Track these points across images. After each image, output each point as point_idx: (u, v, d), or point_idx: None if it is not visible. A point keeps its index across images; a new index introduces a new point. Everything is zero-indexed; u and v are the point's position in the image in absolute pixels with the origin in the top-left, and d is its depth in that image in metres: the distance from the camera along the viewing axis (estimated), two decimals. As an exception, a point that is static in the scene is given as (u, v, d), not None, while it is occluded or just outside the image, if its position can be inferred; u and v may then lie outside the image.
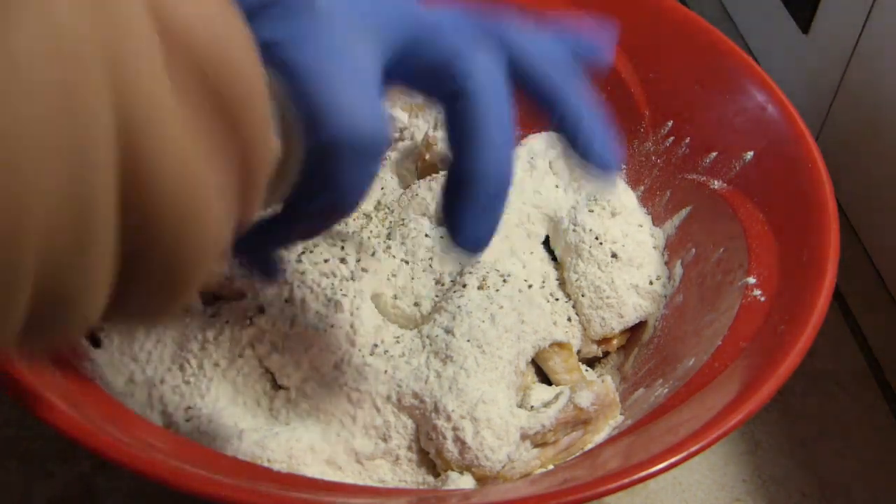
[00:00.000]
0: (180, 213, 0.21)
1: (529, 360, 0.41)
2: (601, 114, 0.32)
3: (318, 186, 0.28)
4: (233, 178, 0.23)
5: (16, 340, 0.20)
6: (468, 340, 0.39)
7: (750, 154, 0.45)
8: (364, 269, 0.41)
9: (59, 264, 0.19)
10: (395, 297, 0.42)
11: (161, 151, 0.20)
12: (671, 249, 0.46)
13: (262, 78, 0.23)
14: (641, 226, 0.47)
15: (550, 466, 0.38)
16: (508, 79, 0.30)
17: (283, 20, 0.26)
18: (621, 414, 0.40)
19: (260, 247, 0.32)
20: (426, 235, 0.44)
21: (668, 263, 0.46)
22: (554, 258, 0.47)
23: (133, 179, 0.20)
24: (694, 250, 0.45)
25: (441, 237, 0.32)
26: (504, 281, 0.41)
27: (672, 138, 0.49)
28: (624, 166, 0.51)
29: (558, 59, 0.32)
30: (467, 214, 0.30)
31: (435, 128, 0.50)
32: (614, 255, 0.45)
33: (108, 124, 0.19)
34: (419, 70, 0.29)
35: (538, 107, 0.31)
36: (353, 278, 0.40)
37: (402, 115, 0.52)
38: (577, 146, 0.31)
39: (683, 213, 0.47)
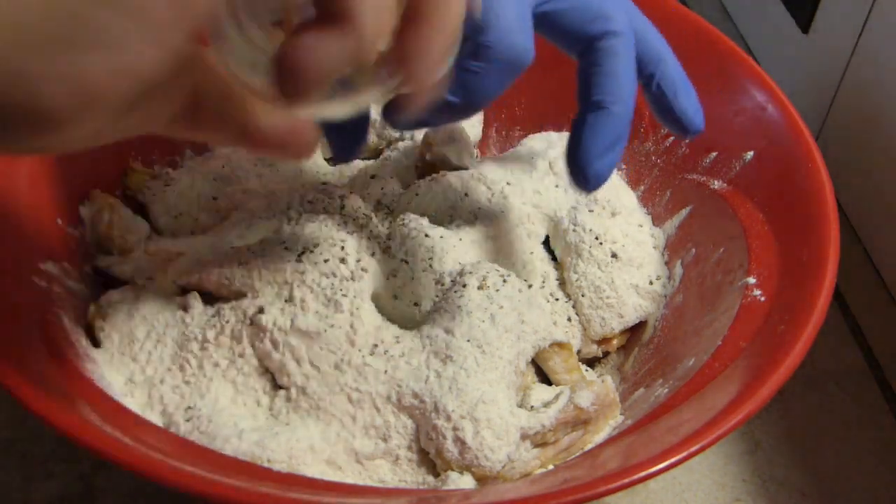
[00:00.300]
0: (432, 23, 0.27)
1: (529, 360, 0.41)
2: (688, 82, 0.39)
3: (460, 81, 0.33)
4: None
5: None
6: (468, 340, 0.39)
7: (750, 154, 0.45)
8: (364, 269, 0.41)
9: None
10: (395, 297, 0.42)
11: None
12: (671, 249, 0.46)
13: None
14: (641, 226, 0.47)
15: (550, 466, 0.38)
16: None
17: None
18: (621, 414, 0.40)
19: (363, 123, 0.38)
20: (426, 235, 0.44)
21: (668, 263, 0.46)
22: (554, 258, 0.47)
23: None
24: (694, 250, 0.45)
25: (566, 173, 0.38)
26: (504, 281, 0.41)
27: (672, 138, 0.49)
28: (624, 166, 0.51)
29: (659, 38, 0.39)
30: (601, 144, 0.36)
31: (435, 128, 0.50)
32: (614, 255, 0.45)
33: None
34: (570, 9, 0.36)
35: (645, 66, 0.37)
36: (353, 278, 0.40)
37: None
38: (674, 103, 0.38)
39: (683, 213, 0.47)
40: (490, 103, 0.35)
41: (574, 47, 0.37)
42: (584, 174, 0.36)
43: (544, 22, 0.36)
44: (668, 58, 0.38)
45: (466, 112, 0.35)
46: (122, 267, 0.44)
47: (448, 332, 0.39)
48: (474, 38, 0.33)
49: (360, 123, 0.38)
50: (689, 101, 0.38)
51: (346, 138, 0.38)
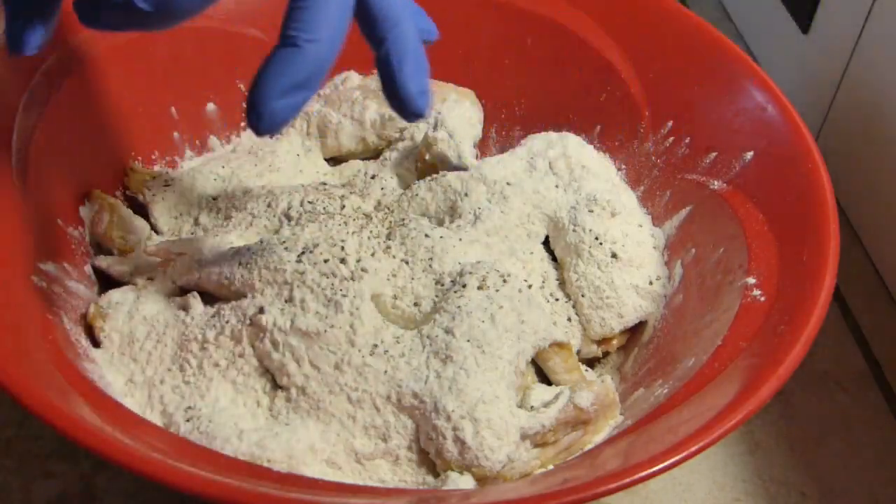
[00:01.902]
0: None
1: (529, 360, 0.41)
2: (424, 60, 0.34)
3: None
4: None
5: None
6: (468, 340, 0.39)
7: (750, 154, 0.45)
8: (364, 269, 0.41)
9: None
10: (395, 297, 0.42)
11: None
12: (671, 249, 0.46)
13: None
14: (641, 226, 0.47)
15: (550, 466, 0.38)
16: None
17: None
18: (621, 414, 0.40)
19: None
20: (426, 235, 0.44)
21: (667, 263, 0.46)
22: (554, 258, 0.47)
23: None
24: (694, 250, 0.45)
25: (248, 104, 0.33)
26: (504, 281, 0.41)
27: (672, 138, 0.49)
28: (624, 166, 0.51)
29: (403, 4, 0.34)
30: (281, 80, 0.31)
31: (435, 128, 0.50)
32: (614, 256, 0.45)
33: None
34: None
35: (374, 28, 0.34)
36: (353, 278, 0.40)
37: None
38: (395, 76, 0.34)
39: (683, 213, 0.47)
40: (186, 16, 0.31)
41: None
42: (256, 112, 0.32)
43: None
44: (405, 24, 0.34)
45: (158, 22, 0.31)
46: (122, 267, 0.44)
47: (448, 332, 0.39)
48: None
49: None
50: (414, 78, 0.34)
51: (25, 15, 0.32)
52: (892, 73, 0.50)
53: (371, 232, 0.44)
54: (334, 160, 0.53)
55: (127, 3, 0.29)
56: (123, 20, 0.30)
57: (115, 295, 0.42)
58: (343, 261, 0.41)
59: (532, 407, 0.39)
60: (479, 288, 0.41)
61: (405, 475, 0.38)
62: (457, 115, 0.51)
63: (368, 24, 0.34)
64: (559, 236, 0.46)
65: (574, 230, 0.45)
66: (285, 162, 0.50)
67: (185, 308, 0.41)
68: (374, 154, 0.53)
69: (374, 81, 0.53)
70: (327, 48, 0.32)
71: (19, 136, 0.41)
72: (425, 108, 0.34)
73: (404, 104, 0.34)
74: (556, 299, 0.45)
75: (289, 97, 0.32)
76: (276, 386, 0.39)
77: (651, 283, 0.45)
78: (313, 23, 0.31)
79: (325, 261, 0.41)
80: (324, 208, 0.45)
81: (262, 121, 0.32)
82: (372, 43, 0.34)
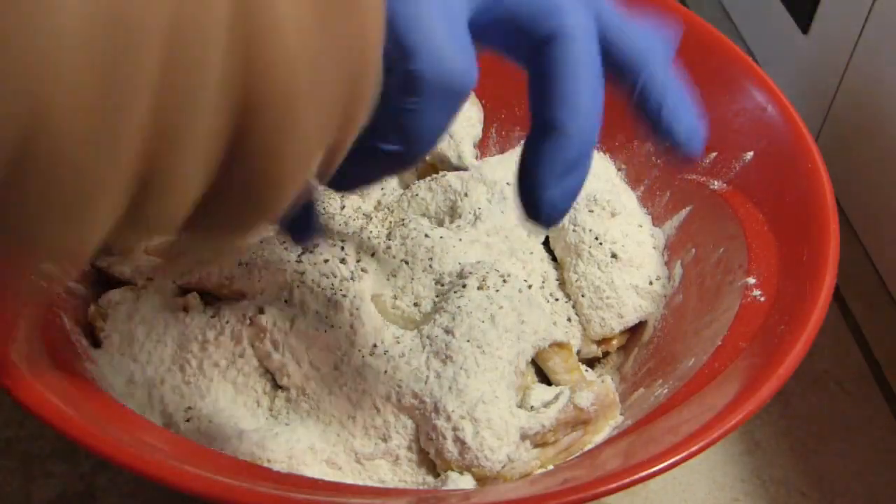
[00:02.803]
0: (286, 104, 0.20)
1: (529, 360, 0.41)
2: (689, 90, 0.30)
3: (394, 126, 0.26)
4: (341, 84, 0.21)
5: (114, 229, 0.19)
6: (468, 341, 0.39)
7: (750, 154, 0.45)
8: (364, 270, 0.41)
9: (164, 135, 0.18)
10: (395, 297, 0.42)
11: (279, 32, 0.19)
12: (671, 249, 0.46)
13: None
14: (641, 226, 0.47)
15: (550, 466, 0.38)
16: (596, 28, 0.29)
17: None
18: (621, 414, 0.40)
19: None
20: (426, 235, 0.44)
21: (667, 264, 0.46)
22: (554, 258, 0.47)
23: (245, 58, 0.18)
24: (694, 250, 0.45)
25: (517, 207, 0.31)
26: (504, 281, 0.41)
27: (672, 138, 0.48)
28: (624, 166, 0.51)
29: (645, 37, 0.31)
30: (552, 171, 0.29)
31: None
32: (614, 256, 0.45)
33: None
34: (510, 10, 0.28)
35: (622, 74, 0.30)
36: (352, 278, 0.40)
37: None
38: (660, 121, 0.30)
39: (683, 213, 0.47)
40: (436, 145, 0.29)
41: (520, 55, 0.30)
42: (535, 206, 0.29)
43: (484, 33, 0.28)
44: (653, 61, 0.30)
45: (409, 161, 0.29)
46: (122, 267, 0.44)
47: (448, 332, 0.39)
48: (400, 68, 0.25)
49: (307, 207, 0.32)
50: (681, 116, 0.30)
51: (298, 223, 0.33)
52: (892, 73, 0.50)
53: (371, 232, 0.44)
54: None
55: (374, 149, 0.27)
56: (374, 170, 0.29)
57: (115, 295, 0.42)
58: (343, 261, 0.41)
59: (532, 407, 0.39)
60: (479, 288, 0.41)
61: (405, 475, 0.38)
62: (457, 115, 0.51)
63: (618, 72, 0.30)
64: (559, 236, 0.46)
65: (574, 230, 0.45)
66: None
67: (185, 308, 0.41)
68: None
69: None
70: (592, 123, 0.29)
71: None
72: (700, 144, 0.30)
73: (679, 145, 0.30)
74: (556, 299, 0.45)
75: (564, 182, 0.29)
76: (276, 386, 0.39)
77: (651, 283, 0.45)
78: (569, 100, 0.28)
79: (325, 261, 0.41)
80: (324, 208, 0.45)
81: (543, 215, 0.29)
82: (625, 87, 0.31)
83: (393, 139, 0.27)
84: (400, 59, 0.25)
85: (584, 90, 0.28)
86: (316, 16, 0.20)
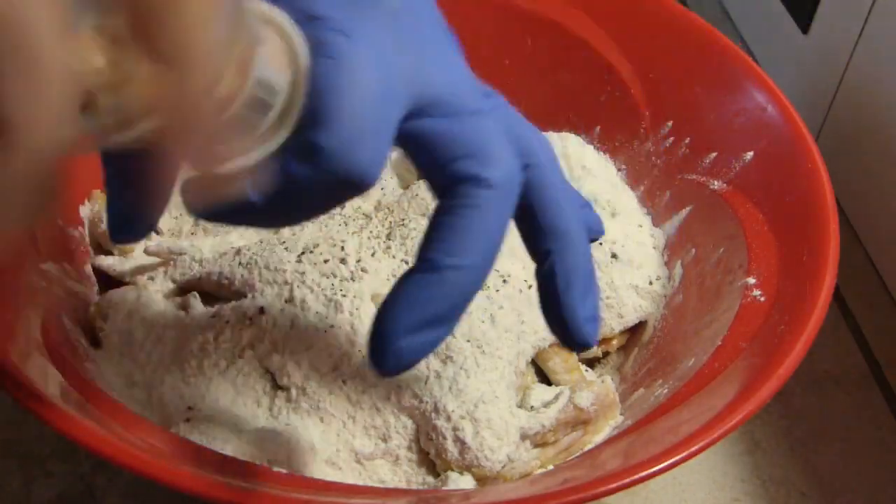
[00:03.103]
0: None
1: (529, 360, 0.41)
2: (595, 284, 0.29)
3: (275, 185, 0.24)
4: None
5: None
6: (468, 341, 0.39)
7: (750, 154, 0.45)
8: (364, 270, 0.41)
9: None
10: (395, 297, 0.42)
11: None
12: (671, 249, 0.46)
13: None
14: (641, 226, 0.47)
15: (550, 466, 0.38)
16: (522, 185, 0.28)
17: (353, 8, 0.24)
18: (621, 414, 0.40)
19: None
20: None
21: (667, 264, 0.46)
22: (554, 258, 0.47)
23: None
24: (694, 250, 0.45)
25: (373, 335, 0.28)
26: (504, 281, 0.41)
27: (672, 138, 0.49)
28: (624, 166, 0.51)
29: (570, 209, 0.29)
30: (414, 313, 0.26)
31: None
32: (614, 256, 0.45)
33: None
34: (442, 135, 0.26)
35: (535, 240, 0.29)
36: (353, 279, 0.40)
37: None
38: (560, 298, 0.29)
39: (683, 213, 0.47)
40: (307, 221, 0.27)
41: (433, 185, 0.27)
42: (380, 350, 0.26)
43: (407, 142, 0.27)
44: (574, 235, 0.29)
45: (275, 222, 0.27)
46: (122, 267, 0.44)
47: (448, 332, 0.39)
48: (307, 135, 0.23)
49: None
50: (582, 301, 0.28)
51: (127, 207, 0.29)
52: (893, 73, 0.50)
53: (371, 232, 0.44)
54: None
55: (246, 205, 0.25)
56: (236, 216, 0.26)
57: (115, 295, 0.42)
58: (343, 261, 0.41)
59: (532, 407, 0.39)
60: (479, 288, 0.41)
61: (405, 475, 0.38)
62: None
63: (531, 235, 0.29)
64: (559, 236, 0.46)
65: (574, 230, 0.45)
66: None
67: (185, 308, 0.41)
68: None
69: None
70: (475, 277, 0.27)
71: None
72: (593, 338, 0.29)
73: (569, 332, 0.29)
74: (556, 299, 0.45)
75: (419, 335, 0.26)
76: (276, 386, 0.39)
77: (651, 283, 0.45)
78: (461, 244, 0.26)
79: (326, 261, 0.41)
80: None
81: (385, 361, 0.27)
82: (532, 253, 0.30)
83: (269, 197, 0.25)
84: (308, 124, 0.24)
85: (480, 238, 0.27)
86: None
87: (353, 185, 0.25)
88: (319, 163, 0.24)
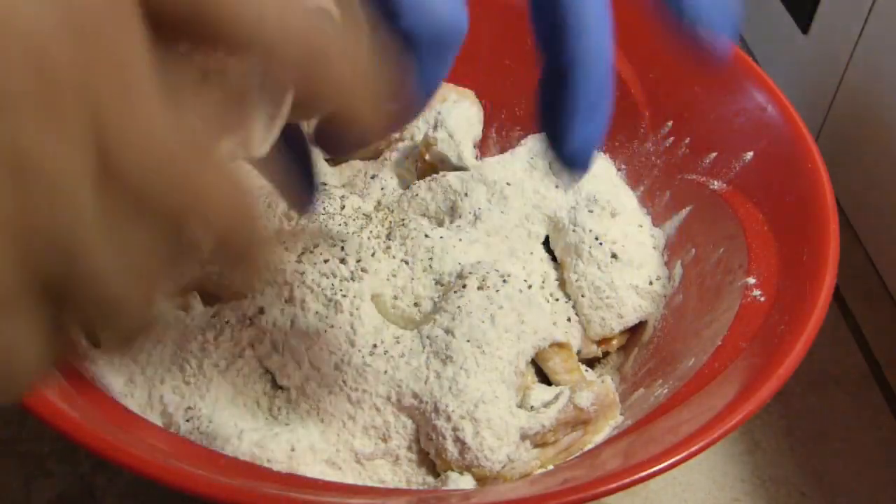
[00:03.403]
0: None
1: (529, 360, 0.41)
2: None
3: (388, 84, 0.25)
4: None
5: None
6: (468, 341, 0.39)
7: (750, 154, 0.45)
8: (364, 270, 0.41)
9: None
10: (395, 297, 0.42)
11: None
12: (671, 250, 0.46)
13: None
14: (641, 226, 0.47)
15: (550, 466, 0.38)
16: None
17: None
18: (621, 414, 0.40)
19: (305, 150, 0.28)
20: (426, 235, 0.44)
21: (667, 264, 0.46)
22: (554, 258, 0.47)
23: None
24: (694, 250, 0.45)
25: (548, 161, 0.29)
26: (504, 281, 0.41)
27: (672, 138, 0.49)
28: (624, 166, 0.51)
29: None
30: (575, 113, 0.27)
31: (435, 128, 0.50)
32: (614, 256, 0.45)
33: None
34: None
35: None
36: (352, 279, 0.40)
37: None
38: (684, 8, 0.27)
39: (683, 213, 0.47)
40: (434, 98, 0.27)
41: None
42: (560, 155, 0.27)
43: None
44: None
45: (408, 117, 0.28)
46: (122, 267, 0.43)
47: (448, 332, 0.39)
48: (389, 27, 0.24)
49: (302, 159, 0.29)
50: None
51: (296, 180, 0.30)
52: (893, 74, 0.50)
53: (371, 232, 0.44)
54: (334, 160, 0.53)
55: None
56: (376, 132, 0.26)
57: (115, 295, 0.41)
58: (343, 261, 0.41)
59: (532, 407, 0.39)
60: (479, 288, 0.41)
61: (405, 475, 0.38)
62: (457, 115, 0.51)
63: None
64: (559, 237, 0.46)
65: (574, 230, 0.45)
66: (285, 162, 0.50)
67: (185, 308, 0.41)
68: (374, 154, 0.53)
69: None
70: (606, 60, 0.27)
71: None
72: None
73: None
74: (556, 299, 0.45)
75: (584, 127, 0.27)
76: (276, 386, 0.39)
77: (651, 283, 0.45)
78: (572, 33, 0.26)
79: (325, 261, 0.41)
80: (324, 208, 0.45)
81: (572, 162, 0.27)
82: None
83: (390, 98, 0.25)
84: (387, 17, 0.24)
85: (595, 22, 0.27)
86: None
87: (450, 41, 0.26)
88: (413, 43, 0.25)
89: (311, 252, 0.41)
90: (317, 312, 0.39)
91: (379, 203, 0.48)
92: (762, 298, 0.39)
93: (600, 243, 0.45)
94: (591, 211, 0.46)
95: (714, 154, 0.46)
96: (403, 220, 0.45)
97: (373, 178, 0.49)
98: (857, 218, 0.56)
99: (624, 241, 0.45)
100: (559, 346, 0.42)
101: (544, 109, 0.28)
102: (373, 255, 0.42)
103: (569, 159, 0.27)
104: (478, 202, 0.46)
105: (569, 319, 0.44)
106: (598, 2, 0.27)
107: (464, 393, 0.37)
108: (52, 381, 0.33)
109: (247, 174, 0.24)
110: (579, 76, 0.26)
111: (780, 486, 0.44)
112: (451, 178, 0.47)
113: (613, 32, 0.27)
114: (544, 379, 0.42)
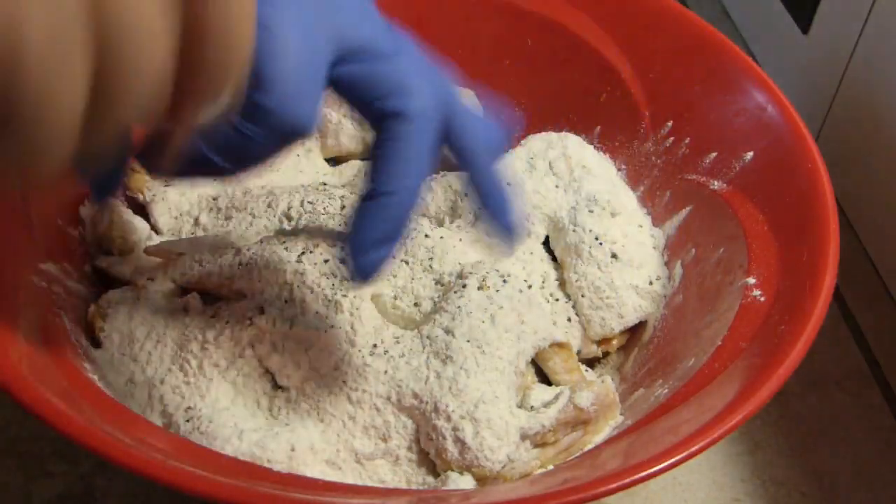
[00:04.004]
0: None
1: (529, 360, 0.41)
2: (508, 196, 0.35)
3: (226, 142, 0.28)
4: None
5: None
6: (468, 341, 0.39)
7: (750, 154, 0.45)
8: (364, 270, 0.41)
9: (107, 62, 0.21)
10: (395, 297, 0.42)
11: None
12: (671, 250, 0.46)
13: None
14: (641, 226, 0.47)
15: (550, 467, 0.38)
16: (441, 121, 0.32)
17: None
18: (621, 414, 0.40)
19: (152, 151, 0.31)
20: (426, 236, 0.44)
21: (667, 264, 0.46)
22: (554, 258, 0.47)
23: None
24: (694, 251, 0.45)
25: (344, 257, 0.35)
26: (504, 281, 0.41)
27: (672, 138, 0.49)
28: (624, 166, 0.51)
29: (486, 136, 0.34)
30: (370, 236, 0.31)
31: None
32: (614, 256, 0.45)
33: None
34: (365, 79, 0.31)
35: (458, 159, 0.34)
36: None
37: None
38: (483, 209, 0.34)
39: (683, 213, 0.47)
40: (258, 170, 0.31)
41: (367, 117, 0.32)
42: (349, 268, 0.32)
43: (337, 86, 0.31)
44: (482, 160, 0.34)
45: (229, 175, 0.31)
46: (121, 267, 0.43)
47: (448, 332, 0.39)
48: (251, 97, 0.27)
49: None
50: (498, 214, 0.35)
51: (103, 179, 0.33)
52: (893, 74, 0.50)
53: (371, 232, 0.44)
54: (334, 160, 0.53)
55: (204, 159, 0.29)
56: (193, 170, 0.30)
57: (115, 295, 0.42)
58: (343, 261, 0.41)
59: (532, 407, 0.39)
60: (479, 288, 0.41)
61: (405, 475, 0.38)
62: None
63: (454, 154, 0.34)
64: (559, 236, 0.46)
65: (574, 230, 0.45)
66: (285, 162, 0.50)
67: (185, 308, 0.41)
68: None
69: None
70: (408, 198, 0.32)
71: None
72: (368, 280, 0.33)
73: (352, 266, 0.33)
74: (556, 299, 0.45)
75: (375, 251, 0.32)
76: (276, 386, 0.39)
77: (651, 283, 0.45)
78: (393, 173, 0.31)
79: (325, 261, 0.41)
80: (324, 209, 0.45)
81: (360, 274, 0.32)
82: (460, 168, 0.35)
83: (223, 152, 0.29)
84: (252, 88, 0.27)
85: (410, 165, 0.31)
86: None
87: (295, 134, 0.29)
88: (265, 120, 0.28)
89: (311, 252, 0.41)
90: (317, 313, 0.39)
91: (379, 203, 0.48)
92: (762, 298, 0.39)
93: (600, 243, 0.45)
94: (591, 211, 0.46)
95: (714, 154, 0.46)
96: (403, 220, 0.45)
97: (373, 178, 0.49)
98: (857, 218, 0.56)
99: (624, 241, 0.45)
100: (559, 346, 0.42)
101: (354, 224, 0.32)
102: (373, 255, 0.42)
103: (358, 270, 0.32)
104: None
105: (569, 319, 0.44)
106: (422, 146, 0.31)
107: (464, 393, 0.37)
108: (51, 381, 0.33)
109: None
110: (390, 207, 0.31)
111: (780, 486, 0.44)
112: (451, 178, 0.47)
113: (429, 173, 0.32)
114: (544, 379, 0.42)
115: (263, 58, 0.27)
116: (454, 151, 0.33)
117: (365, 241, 0.31)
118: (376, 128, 0.31)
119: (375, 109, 0.31)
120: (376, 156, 0.31)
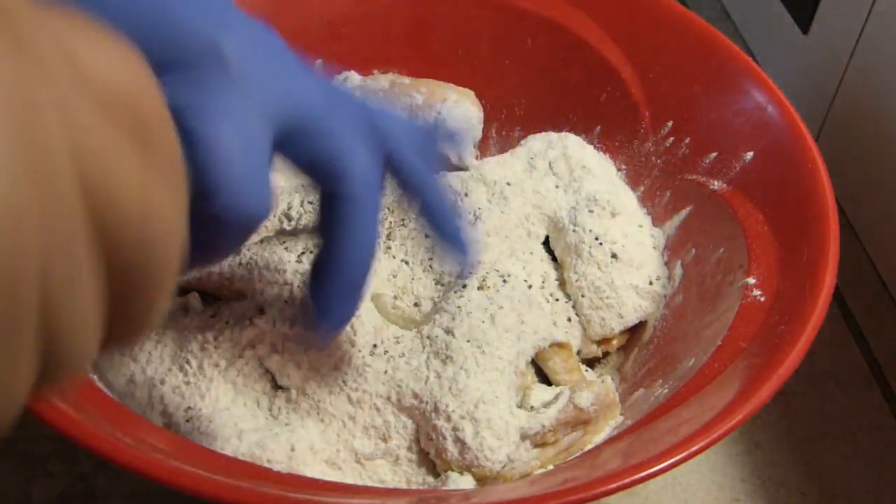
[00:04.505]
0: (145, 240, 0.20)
1: (529, 360, 0.41)
2: (453, 207, 0.36)
3: (195, 240, 0.28)
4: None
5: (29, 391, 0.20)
6: (468, 341, 0.39)
7: (750, 154, 0.45)
8: (364, 270, 0.41)
9: (57, 300, 0.18)
10: (395, 297, 0.42)
11: (122, 194, 0.19)
12: (671, 250, 0.46)
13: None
14: (641, 226, 0.47)
15: (550, 467, 0.38)
16: (382, 173, 0.33)
17: (195, 85, 0.27)
18: (621, 414, 0.40)
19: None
20: (426, 236, 0.44)
21: (667, 264, 0.46)
22: (554, 258, 0.47)
23: (104, 237, 0.19)
24: (694, 251, 0.45)
25: (305, 318, 0.38)
26: (504, 281, 0.41)
27: (672, 138, 0.49)
28: (624, 166, 0.51)
29: (424, 150, 0.35)
30: (333, 296, 0.33)
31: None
32: (614, 256, 0.45)
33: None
34: (304, 157, 0.31)
35: (408, 196, 0.35)
36: (353, 278, 0.40)
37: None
38: (436, 231, 0.35)
39: (683, 213, 0.47)
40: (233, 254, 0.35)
41: (315, 188, 0.34)
42: (317, 325, 0.34)
43: (282, 160, 0.32)
44: (429, 191, 0.35)
45: (206, 265, 0.34)
46: (122, 267, 0.43)
47: (448, 332, 0.39)
48: (200, 207, 0.27)
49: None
50: (451, 236, 0.36)
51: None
52: (893, 73, 0.50)
53: (371, 232, 0.44)
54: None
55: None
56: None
57: (115, 295, 0.41)
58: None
59: (532, 407, 0.39)
60: (479, 288, 0.41)
61: (405, 475, 0.38)
62: (457, 115, 0.51)
63: (404, 191, 0.35)
64: (559, 236, 0.46)
65: (574, 230, 0.45)
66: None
67: (185, 308, 0.41)
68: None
69: (374, 82, 0.53)
70: (363, 260, 0.33)
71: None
72: (466, 262, 0.36)
73: (449, 244, 0.36)
74: (556, 299, 0.45)
75: (343, 306, 0.33)
76: (276, 386, 0.39)
77: (651, 283, 0.45)
78: (343, 248, 0.32)
79: (325, 261, 0.41)
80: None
81: (324, 338, 0.35)
82: (408, 201, 0.36)
83: (192, 255, 0.28)
84: (200, 198, 0.27)
85: (361, 239, 0.33)
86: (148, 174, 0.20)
87: (252, 223, 0.29)
88: (217, 225, 0.28)
89: (311, 252, 0.41)
90: (317, 312, 0.39)
91: (379, 203, 0.48)
92: (762, 298, 0.39)
93: (600, 243, 0.45)
94: (591, 211, 0.46)
95: (714, 154, 0.46)
96: (403, 220, 0.45)
97: (373, 178, 0.49)
98: (857, 218, 0.56)
99: (624, 241, 0.45)
100: (559, 346, 0.42)
101: (315, 287, 0.33)
102: (373, 255, 0.42)
103: (328, 327, 0.34)
104: (478, 202, 0.46)
105: (569, 319, 0.44)
106: (366, 217, 0.32)
107: (464, 393, 0.37)
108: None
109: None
110: (345, 266, 0.33)
111: (780, 486, 0.44)
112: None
113: (380, 234, 0.35)
114: (544, 379, 0.42)
115: (207, 170, 0.27)
116: (397, 180, 0.34)
117: (327, 307, 0.33)
118: (322, 202, 0.32)
119: (320, 189, 0.32)
120: (326, 222, 0.32)
